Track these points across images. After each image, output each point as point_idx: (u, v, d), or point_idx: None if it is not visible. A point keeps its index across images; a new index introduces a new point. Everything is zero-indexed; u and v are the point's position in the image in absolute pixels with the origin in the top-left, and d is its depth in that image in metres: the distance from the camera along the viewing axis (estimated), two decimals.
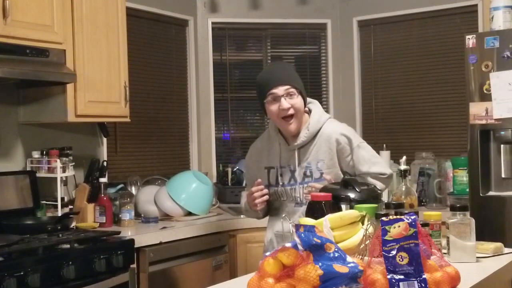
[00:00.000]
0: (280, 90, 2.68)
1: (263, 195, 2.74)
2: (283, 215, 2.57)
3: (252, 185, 2.84)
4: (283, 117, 2.70)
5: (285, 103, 2.67)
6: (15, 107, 3.48)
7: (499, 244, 2.34)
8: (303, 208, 2.65)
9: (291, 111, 2.69)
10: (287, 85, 2.68)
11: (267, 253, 1.70)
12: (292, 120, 2.70)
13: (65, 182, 3.52)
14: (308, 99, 2.84)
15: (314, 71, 4.95)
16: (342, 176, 2.69)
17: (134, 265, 3.13)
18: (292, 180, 2.76)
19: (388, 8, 4.72)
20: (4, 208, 3.20)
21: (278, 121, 2.74)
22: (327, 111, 4.23)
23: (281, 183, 2.79)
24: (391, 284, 1.61)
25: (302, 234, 1.61)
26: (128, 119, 3.72)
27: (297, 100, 2.70)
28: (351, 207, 2.24)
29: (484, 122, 3.32)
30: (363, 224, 2.00)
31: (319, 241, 1.60)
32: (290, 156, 2.78)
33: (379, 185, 2.64)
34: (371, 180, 2.68)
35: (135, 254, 3.16)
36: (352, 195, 2.35)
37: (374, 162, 2.74)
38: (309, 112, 2.81)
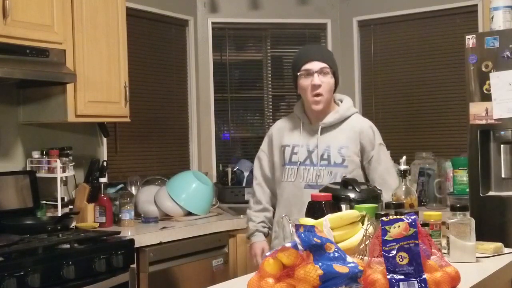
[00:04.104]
0: (315, 66, 2.76)
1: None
2: (284, 215, 2.57)
3: (262, 173, 2.97)
4: (312, 93, 2.77)
5: (317, 79, 2.75)
6: (15, 107, 3.48)
7: (499, 244, 2.34)
8: (314, 191, 2.68)
9: (321, 89, 2.75)
10: (323, 63, 2.77)
11: (267, 253, 1.70)
12: (320, 98, 2.77)
13: (65, 182, 3.52)
14: (340, 95, 2.92)
15: None
16: (361, 174, 2.78)
17: (134, 265, 3.13)
18: (308, 160, 2.80)
19: (388, 8, 4.72)
20: (4, 208, 3.20)
21: (308, 96, 2.79)
22: None
23: (294, 161, 2.82)
24: (391, 284, 1.61)
25: (302, 234, 1.61)
26: (128, 119, 3.72)
27: (330, 80, 2.78)
28: (351, 207, 2.24)
29: (484, 122, 3.32)
30: (363, 224, 2.00)
31: (319, 241, 1.60)
32: (311, 136, 2.82)
33: None
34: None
35: (135, 254, 3.16)
36: (352, 195, 2.35)
37: (390, 173, 2.88)
38: (339, 103, 2.88)
